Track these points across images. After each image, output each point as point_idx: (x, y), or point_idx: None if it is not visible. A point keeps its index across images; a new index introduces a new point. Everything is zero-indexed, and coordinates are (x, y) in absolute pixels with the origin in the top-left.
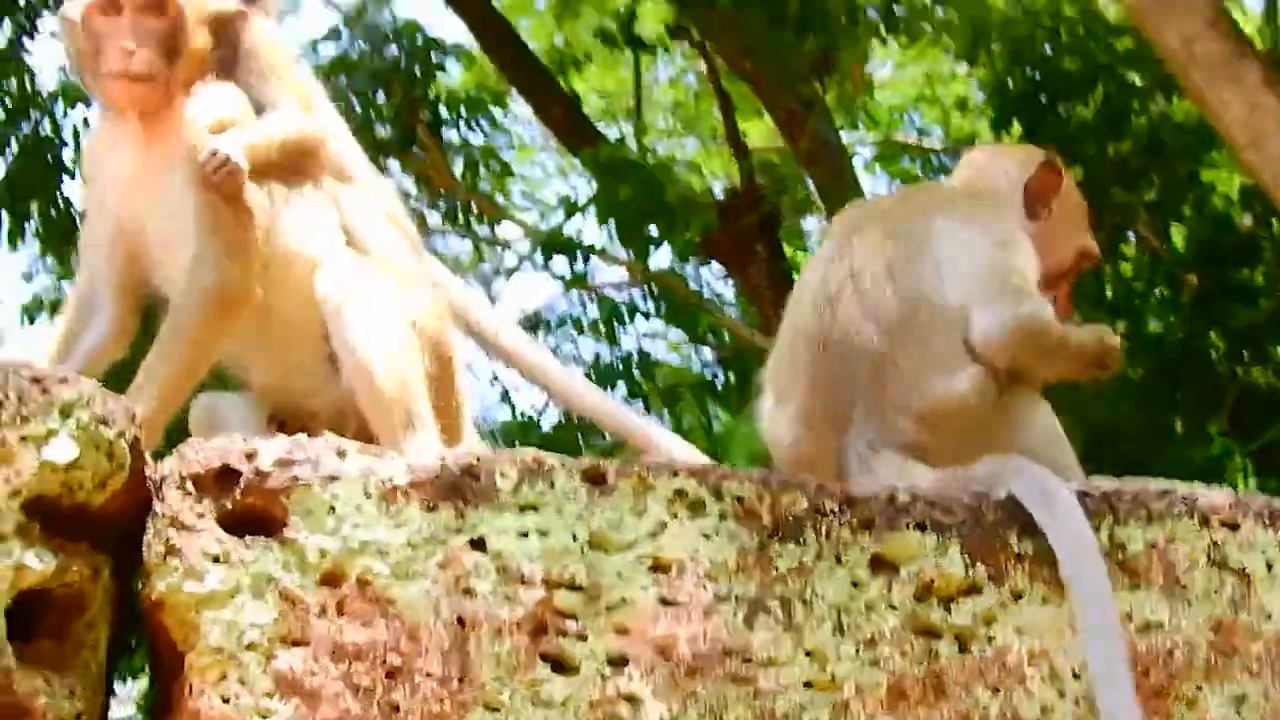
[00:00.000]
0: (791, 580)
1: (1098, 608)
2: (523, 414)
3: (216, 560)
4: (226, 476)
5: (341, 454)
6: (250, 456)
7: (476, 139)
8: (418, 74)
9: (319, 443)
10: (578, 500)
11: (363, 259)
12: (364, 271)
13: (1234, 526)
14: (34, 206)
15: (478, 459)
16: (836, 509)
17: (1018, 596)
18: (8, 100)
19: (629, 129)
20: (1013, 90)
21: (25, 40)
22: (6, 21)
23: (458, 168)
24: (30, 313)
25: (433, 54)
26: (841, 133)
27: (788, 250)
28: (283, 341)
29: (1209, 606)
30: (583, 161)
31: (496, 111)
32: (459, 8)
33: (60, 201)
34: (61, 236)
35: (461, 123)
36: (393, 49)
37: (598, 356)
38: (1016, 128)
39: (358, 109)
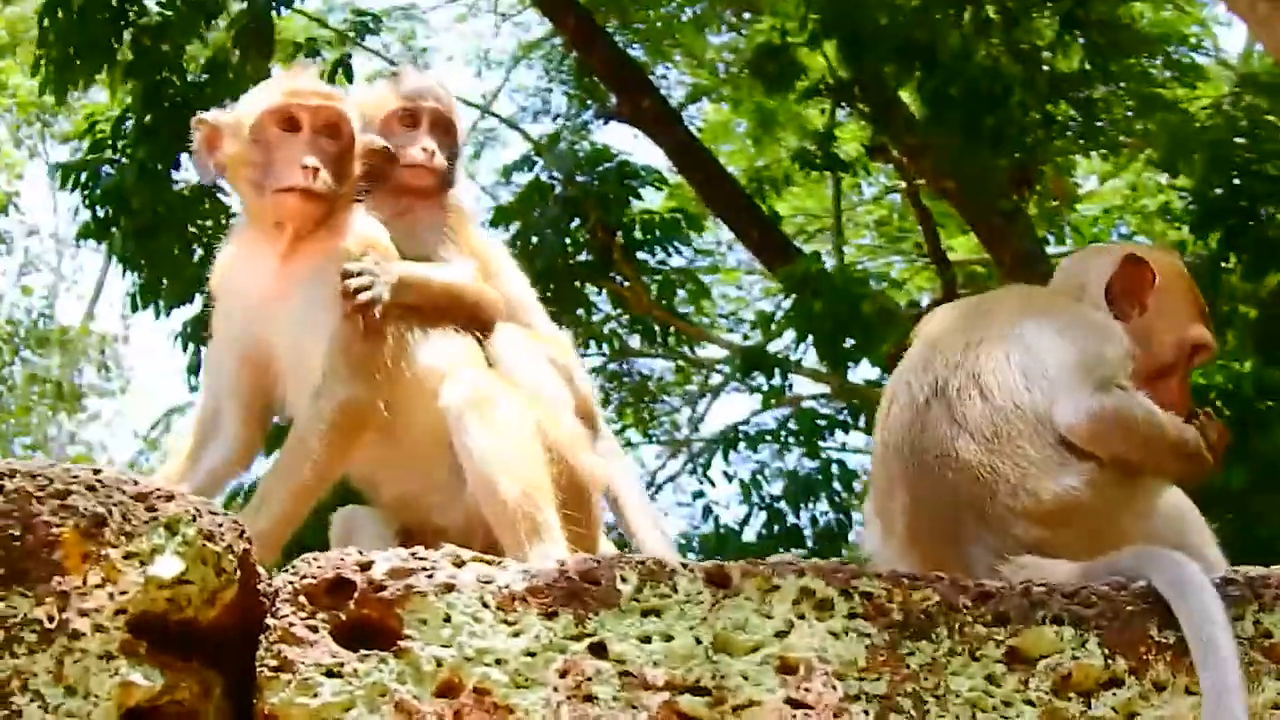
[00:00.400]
0: (924, 677)
1: (1222, 698)
2: (724, 526)
3: (330, 674)
4: (340, 588)
5: (459, 563)
6: (364, 568)
7: (676, 261)
8: (612, 199)
9: (435, 553)
10: (701, 602)
11: (492, 372)
12: (490, 381)
13: None
14: None
15: (597, 563)
16: (969, 604)
17: (1160, 688)
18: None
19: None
20: (1213, 197)
21: None
22: None
23: (654, 290)
24: None
25: (626, 180)
26: (1047, 243)
27: None
28: (409, 458)
29: None
30: (779, 278)
31: (693, 233)
32: (657, 136)
33: None
34: None
35: (657, 246)
36: (586, 176)
37: (798, 469)
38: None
39: (552, 235)
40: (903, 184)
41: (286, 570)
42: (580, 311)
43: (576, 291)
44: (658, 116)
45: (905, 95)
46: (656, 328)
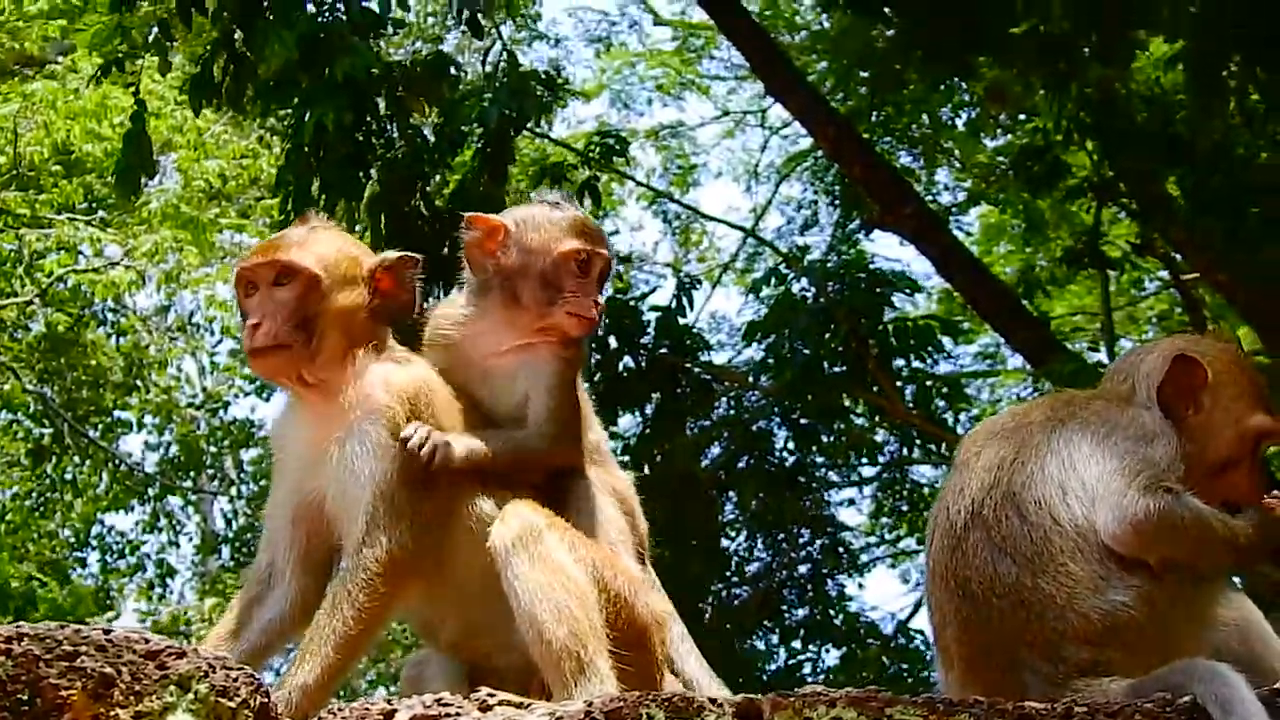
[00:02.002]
0: None
1: None
2: None
3: None
4: None
5: (485, 707)
6: (388, 716)
7: (944, 367)
8: (865, 308)
9: (461, 698)
10: None
11: (543, 511)
12: (540, 519)
13: None
14: None
15: (624, 701)
16: None
17: None
18: None
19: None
20: None
21: None
22: None
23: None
24: None
25: (879, 288)
26: None
27: None
28: (462, 601)
29: None
30: (1047, 378)
31: (951, 339)
32: (922, 242)
33: None
34: None
35: (911, 353)
36: (838, 285)
37: None
38: None
39: (805, 346)
40: (1183, 277)
41: None
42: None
43: (832, 401)
44: (922, 223)
45: (1173, 189)
46: (915, 433)
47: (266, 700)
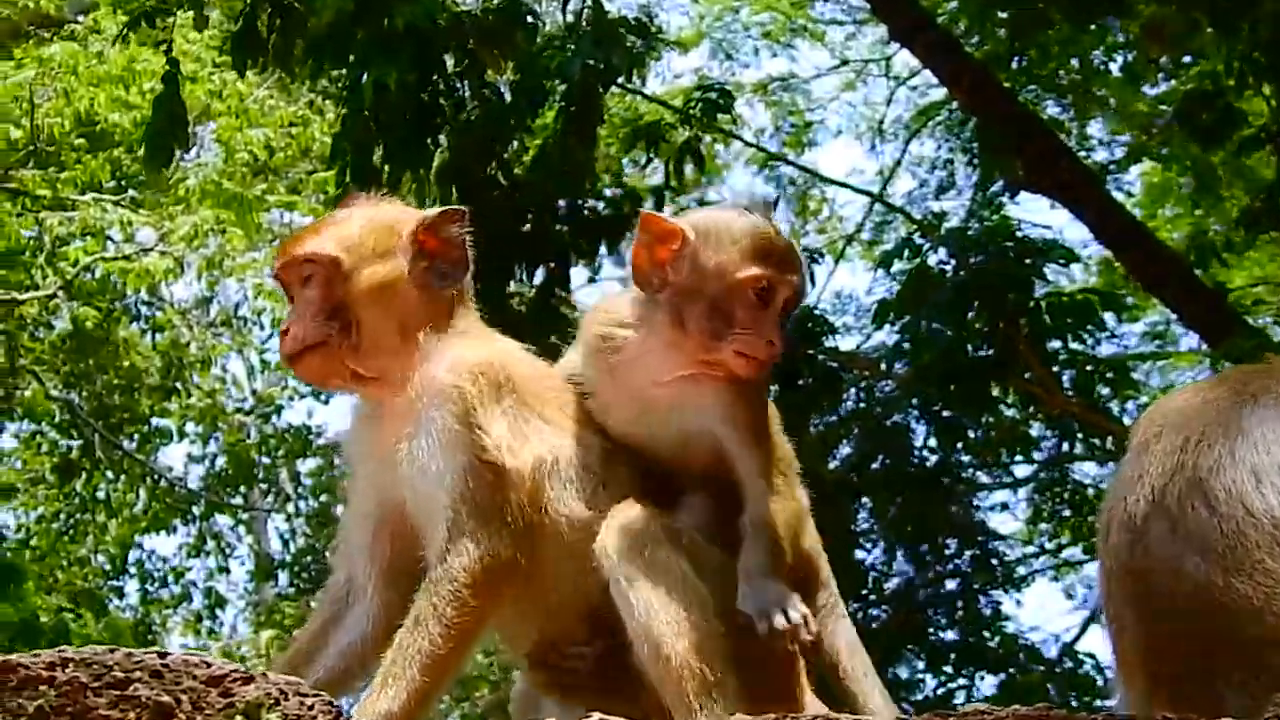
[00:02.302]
0: None
1: None
2: None
3: None
4: None
5: None
6: None
7: (1105, 348)
8: (1012, 282)
9: None
10: None
11: (657, 512)
12: (654, 522)
13: None
14: None
15: None
16: None
17: None
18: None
19: None
20: None
21: None
22: None
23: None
24: None
25: (1027, 258)
26: None
27: None
28: (544, 609)
29: None
30: (1225, 358)
31: (1114, 314)
32: (1075, 205)
33: None
34: None
35: (1068, 333)
36: (980, 257)
37: None
38: None
39: (944, 328)
40: None
41: None
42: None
43: (978, 390)
44: (1075, 183)
45: None
46: (1076, 424)
47: None
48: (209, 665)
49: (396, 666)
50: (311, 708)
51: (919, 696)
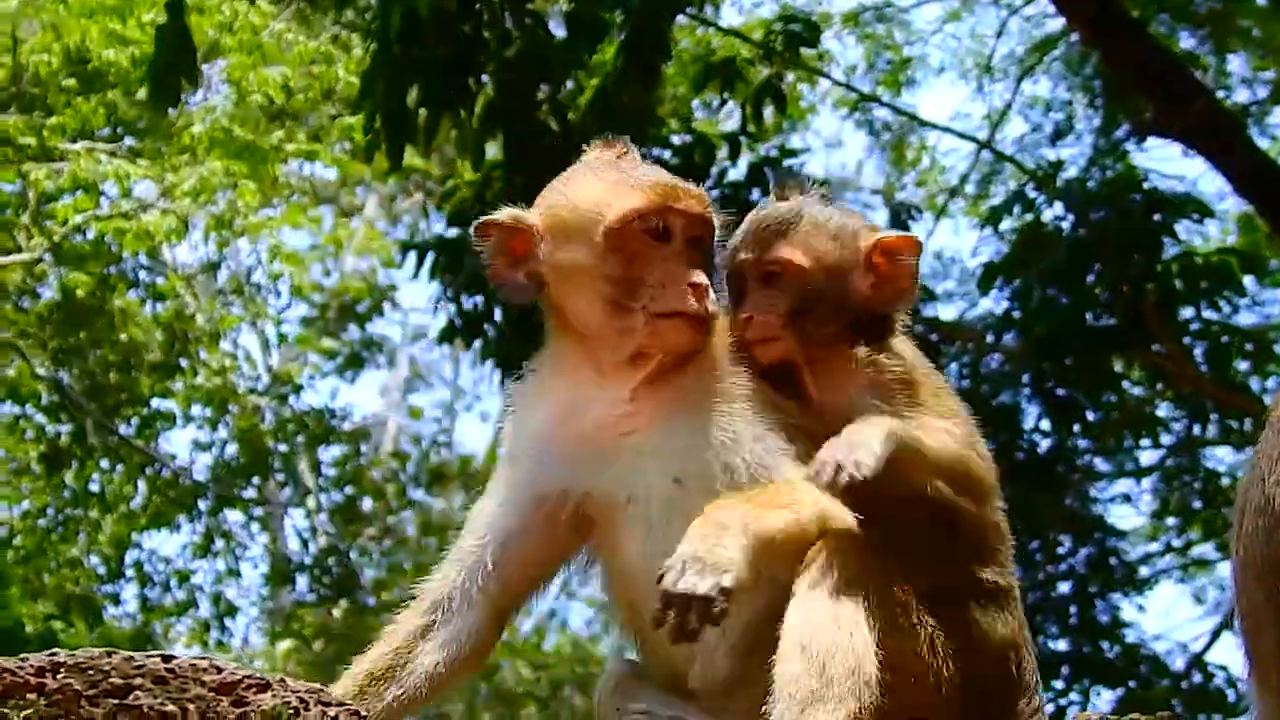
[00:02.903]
0: None
1: None
2: None
3: None
4: None
5: None
6: None
7: (1243, 318)
8: (1140, 241)
9: None
10: None
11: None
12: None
13: None
14: None
15: None
16: None
17: None
18: None
19: None
20: None
21: None
22: None
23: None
24: None
25: (1156, 214)
26: None
27: None
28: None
29: None
30: None
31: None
32: (1212, 153)
33: None
34: None
35: (1203, 300)
36: (1103, 211)
37: None
38: None
39: (1061, 293)
40: None
41: None
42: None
43: (1099, 364)
44: (1213, 127)
45: None
46: (1207, 404)
47: None
48: (220, 670)
49: None
50: (336, 718)
51: None
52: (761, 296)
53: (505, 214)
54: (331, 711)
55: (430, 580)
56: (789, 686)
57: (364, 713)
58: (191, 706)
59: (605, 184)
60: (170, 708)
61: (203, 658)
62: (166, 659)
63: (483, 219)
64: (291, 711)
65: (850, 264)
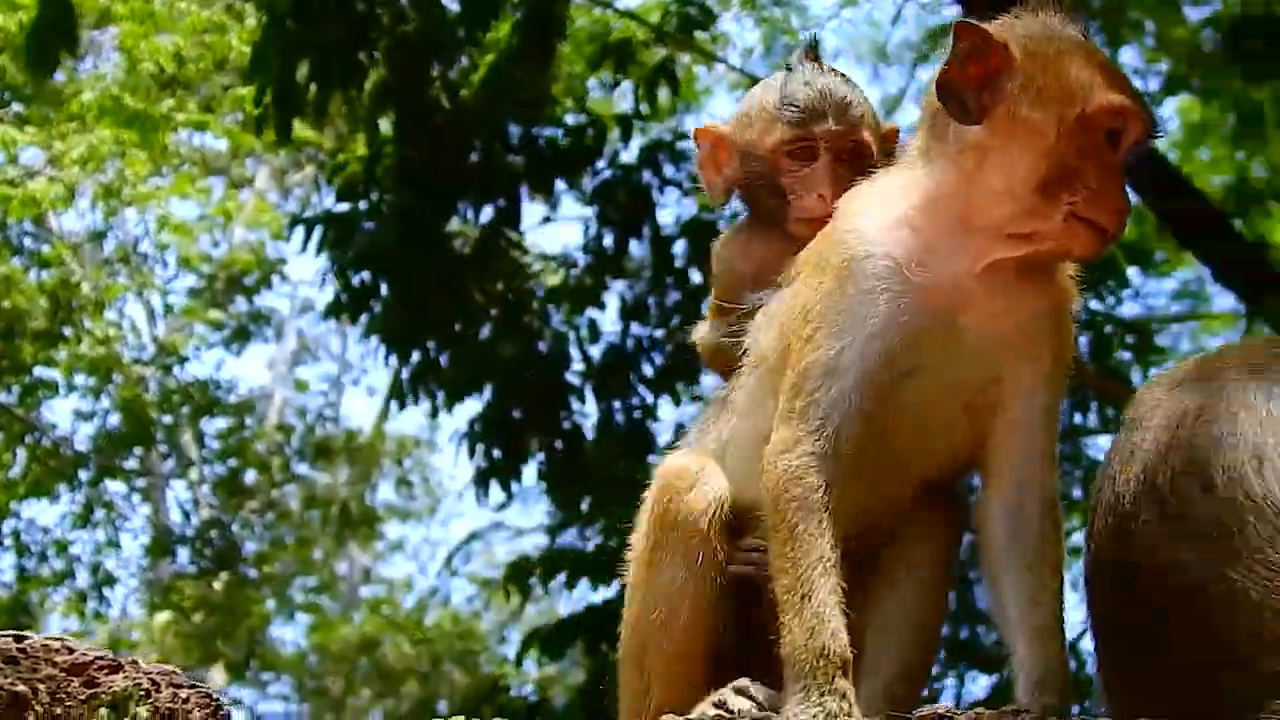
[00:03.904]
0: None
1: None
2: None
3: None
4: None
5: None
6: None
7: (1128, 308)
8: None
9: None
10: None
11: None
12: None
13: None
14: (533, 442)
15: None
16: None
17: None
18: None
19: None
20: None
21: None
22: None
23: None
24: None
25: None
26: None
27: None
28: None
29: None
30: (1266, 321)
31: (1137, 270)
32: None
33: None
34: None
35: (1087, 291)
36: None
37: None
38: None
39: None
40: None
41: None
42: None
43: None
44: None
45: None
46: (1091, 397)
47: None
48: (71, 651)
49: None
50: (187, 700)
51: None
52: (837, 174)
53: (1006, 35)
54: (183, 694)
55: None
56: None
57: (217, 697)
58: (42, 687)
59: (1093, 68)
60: (21, 688)
61: (55, 638)
62: (19, 638)
63: (970, 25)
64: (142, 693)
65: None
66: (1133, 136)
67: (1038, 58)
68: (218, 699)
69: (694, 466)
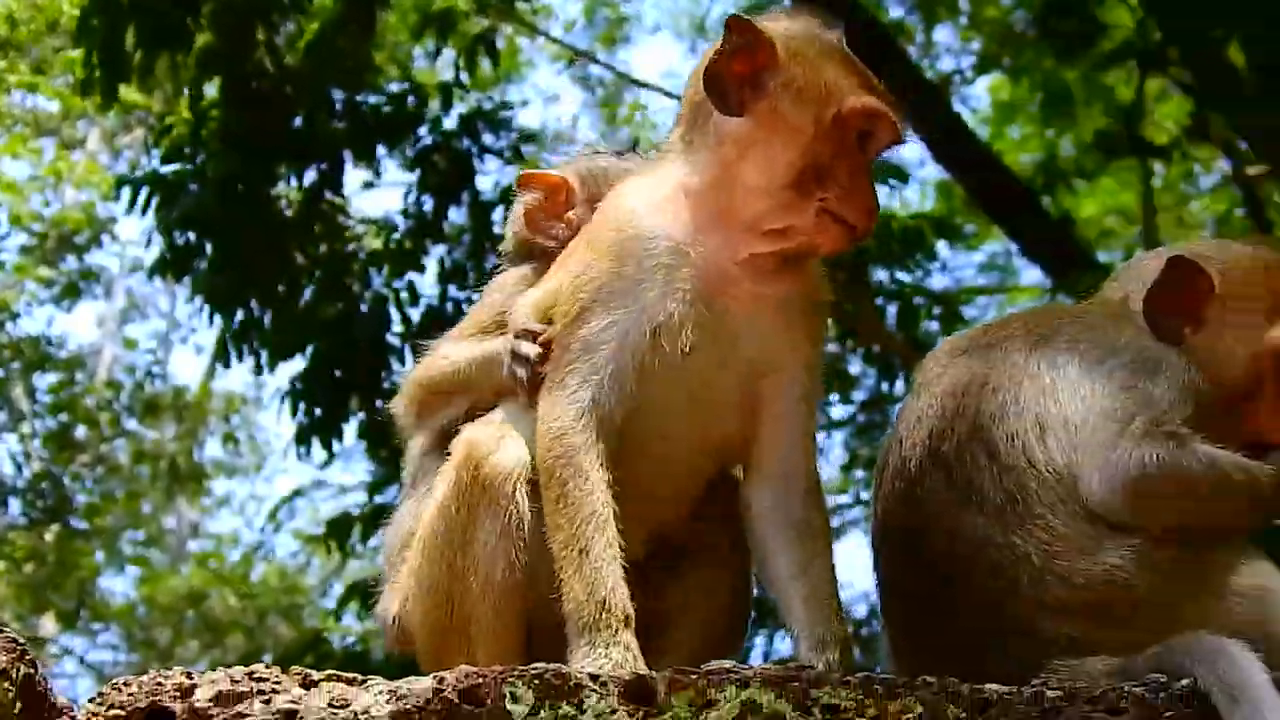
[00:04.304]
0: None
1: None
2: None
3: None
4: (158, 718)
5: (309, 684)
6: (185, 693)
7: (939, 280)
8: None
9: (280, 672)
10: None
11: None
12: None
13: None
14: (354, 400)
15: (483, 678)
16: (964, 716)
17: None
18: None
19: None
20: None
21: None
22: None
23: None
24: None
25: None
26: None
27: None
28: None
29: None
30: (1069, 295)
31: (948, 242)
32: (913, 121)
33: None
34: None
35: (895, 262)
36: None
37: None
38: None
39: None
40: (1248, 170)
41: (94, 700)
42: None
43: None
44: (914, 95)
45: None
46: (897, 360)
47: (32, 671)
48: None
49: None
50: None
51: None
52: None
53: (773, 34)
54: None
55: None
56: None
57: (20, 640)
58: None
59: (850, 72)
60: None
61: None
62: None
63: (742, 21)
64: None
65: None
66: (882, 140)
67: (800, 58)
68: (21, 645)
69: (496, 434)
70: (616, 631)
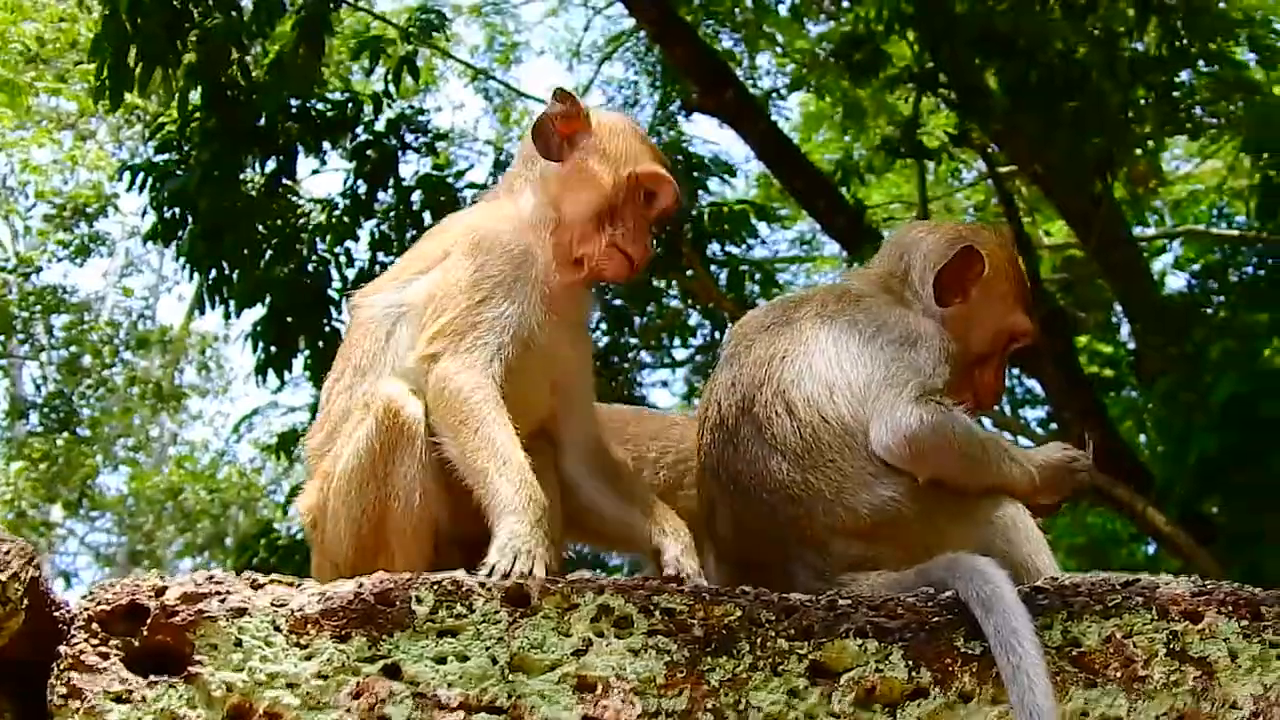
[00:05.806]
0: (725, 693)
1: (1029, 709)
2: None
3: (119, 700)
4: (135, 615)
5: (256, 585)
6: (159, 593)
7: (760, 252)
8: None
9: (233, 575)
10: (499, 622)
11: None
12: None
13: (1195, 617)
14: (301, 341)
15: (394, 583)
16: (773, 619)
17: (966, 698)
18: (273, 236)
19: None
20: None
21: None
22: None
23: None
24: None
25: (693, 172)
26: (1134, 227)
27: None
28: None
29: (1169, 699)
30: (860, 264)
31: (766, 224)
32: (741, 127)
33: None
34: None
35: (726, 239)
36: None
37: None
38: None
39: None
40: (1000, 169)
41: (85, 597)
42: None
43: (647, 285)
44: (741, 108)
45: (992, 81)
46: (728, 317)
47: (38, 574)
48: None
49: None
50: (6, 551)
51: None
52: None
53: (587, 109)
54: (4, 545)
55: None
56: None
57: (31, 544)
58: None
59: (644, 147)
60: None
61: None
62: None
63: (566, 93)
64: None
65: None
66: (664, 202)
67: (607, 129)
68: (31, 549)
69: (402, 388)
70: (540, 518)
